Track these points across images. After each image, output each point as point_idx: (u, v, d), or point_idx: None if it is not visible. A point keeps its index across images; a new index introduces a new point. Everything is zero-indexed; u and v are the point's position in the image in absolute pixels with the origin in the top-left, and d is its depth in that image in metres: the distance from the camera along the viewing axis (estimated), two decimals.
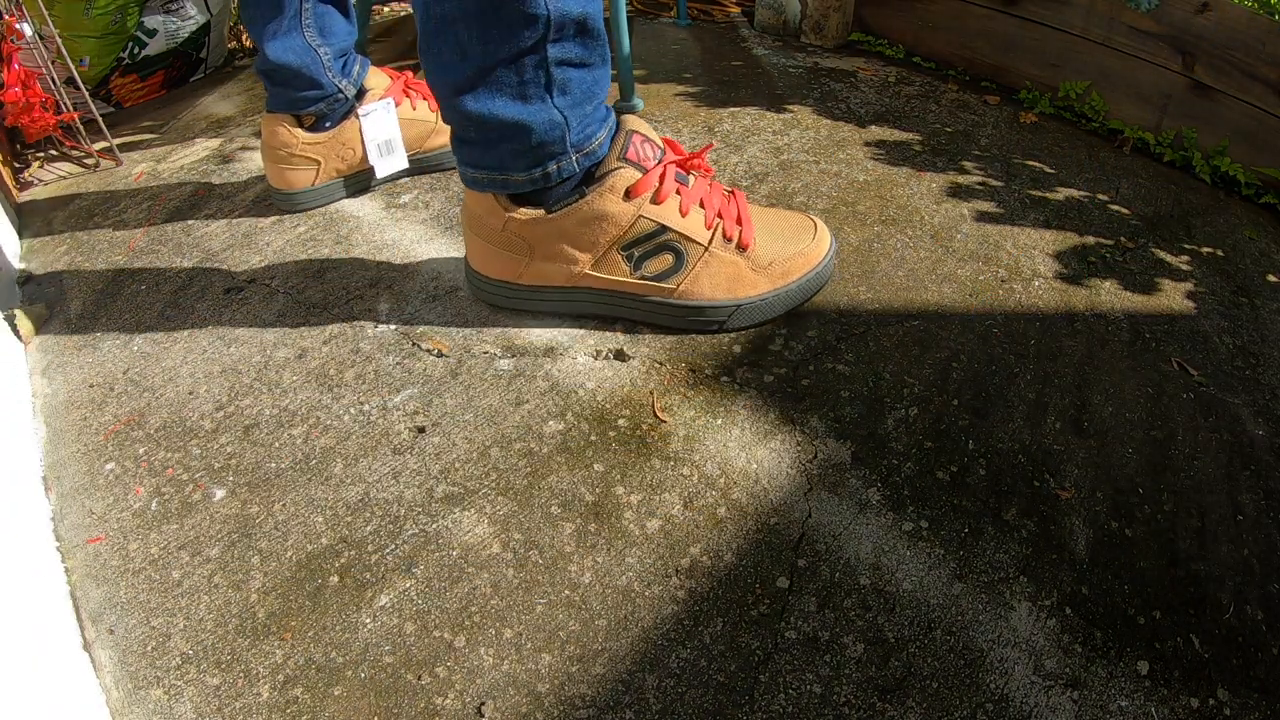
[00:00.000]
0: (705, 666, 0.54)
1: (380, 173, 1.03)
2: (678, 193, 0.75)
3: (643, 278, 0.77)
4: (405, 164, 1.05)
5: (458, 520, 0.63)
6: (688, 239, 0.75)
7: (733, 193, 0.80)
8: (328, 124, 0.98)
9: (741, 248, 0.77)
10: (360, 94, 0.99)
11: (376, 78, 1.00)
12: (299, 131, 0.96)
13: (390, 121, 1.01)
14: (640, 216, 0.73)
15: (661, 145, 0.77)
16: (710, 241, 0.76)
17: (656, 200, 0.74)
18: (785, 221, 0.81)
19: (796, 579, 0.59)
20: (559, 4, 0.63)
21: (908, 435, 0.70)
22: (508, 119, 0.67)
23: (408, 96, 1.04)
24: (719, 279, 0.77)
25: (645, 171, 0.73)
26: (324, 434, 0.70)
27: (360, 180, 1.04)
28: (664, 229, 0.74)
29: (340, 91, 0.96)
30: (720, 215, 0.77)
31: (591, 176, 0.74)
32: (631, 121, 0.75)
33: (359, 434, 0.70)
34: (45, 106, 1.10)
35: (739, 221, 0.78)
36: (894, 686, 0.53)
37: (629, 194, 0.73)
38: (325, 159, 0.99)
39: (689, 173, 0.78)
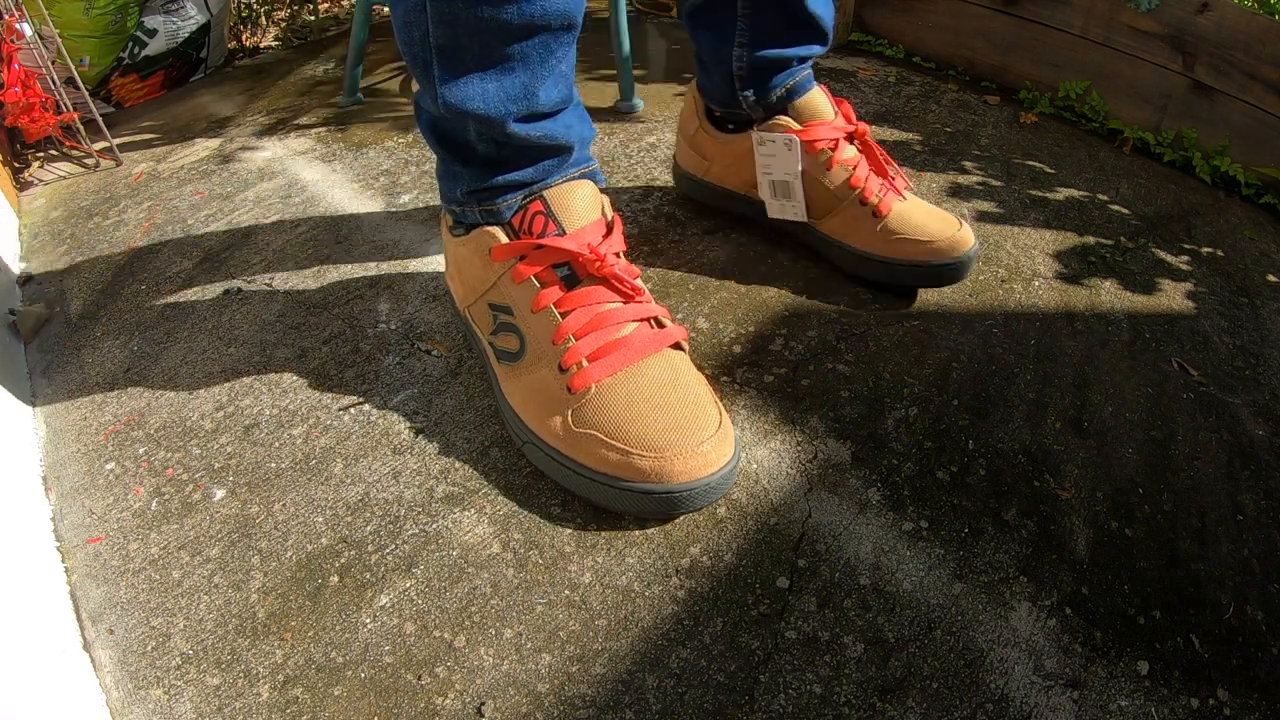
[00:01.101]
0: (705, 666, 0.54)
1: (771, 212, 0.90)
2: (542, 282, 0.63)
3: (491, 344, 0.69)
4: (804, 217, 0.87)
5: (458, 520, 0.63)
6: (530, 335, 0.64)
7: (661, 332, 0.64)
8: (730, 127, 0.91)
9: (572, 390, 0.61)
10: (775, 112, 0.84)
11: (815, 105, 0.84)
12: (702, 119, 0.92)
13: (788, 161, 0.85)
14: (496, 283, 0.66)
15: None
16: (547, 356, 0.63)
17: (513, 278, 0.64)
18: (690, 405, 0.61)
19: (796, 579, 0.59)
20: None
21: (908, 435, 0.70)
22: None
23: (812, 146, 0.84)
24: (532, 396, 0.64)
25: (515, 239, 0.65)
26: (324, 434, 0.70)
27: (754, 206, 0.92)
28: (510, 309, 0.65)
29: (739, 102, 0.86)
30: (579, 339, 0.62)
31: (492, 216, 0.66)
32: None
33: (359, 434, 0.70)
34: (45, 106, 1.10)
35: (603, 368, 0.61)
36: (894, 686, 0.53)
37: (492, 255, 0.65)
38: (713, 160, 0.93)
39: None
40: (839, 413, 0.72)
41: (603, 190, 0.69)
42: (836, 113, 0.84)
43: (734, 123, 0.91)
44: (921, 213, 0.83)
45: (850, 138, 0.84)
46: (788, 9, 0.80)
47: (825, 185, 0.84)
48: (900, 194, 0.85)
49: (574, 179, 0.67)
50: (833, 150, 0.83)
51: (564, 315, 0.63)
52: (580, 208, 0.65)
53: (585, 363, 0.62)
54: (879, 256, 0.83)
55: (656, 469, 0.57)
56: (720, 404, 0.63)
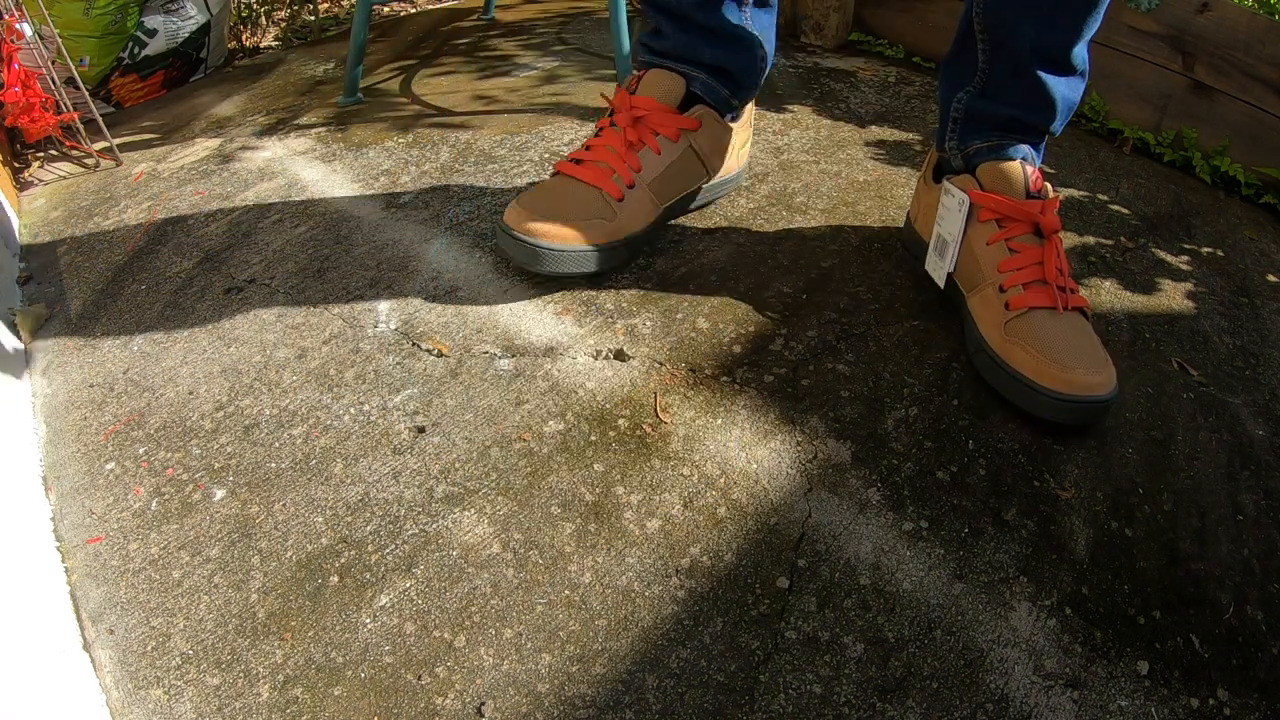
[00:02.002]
0: (705, 666, 0.54)
1: (926, 264, 0.85)
2: None
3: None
4: (942, 281, 0.83)
5: (458, 520, 0.63)
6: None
7: None
8: (944, 177, 0.85)
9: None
10: (971, 167, 0.81)
11: (1009, 177, 0.77)
12: (927, 168, 0.90)
13: (955, 220, 0.79)
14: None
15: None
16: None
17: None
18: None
19: (796, 579, 0.59)
20: None
21: (908, 435, 0.70)
22: None
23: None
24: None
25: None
26: (324, 434, 0.70)
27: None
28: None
29: (946, 147, 0.86)
30: None
31: None
32: None
33: (359, 434, 0.70)
34: (45, 106, 1.10)
35: None
36: (894, 686, 0.53)
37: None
38: (918, 205, 0.91)
39: None
40: (839, 413, 0.72)
41: None
42: (1029, 195, 0.76)
43: (947, 173, 0.86)
44: (1062, 332, 0.71)
45: (1036, 229, 0.76)
46: (1018, 69, 0.77)
47: (976, 257, 0.78)
48: (1055, 305, 0.72)
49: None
50: (1000, 227, 0.76)
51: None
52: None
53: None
54: (990, 350, 0.74)
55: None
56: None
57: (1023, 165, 0.77)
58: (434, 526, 0.62)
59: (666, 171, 0.88)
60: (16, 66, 1.08)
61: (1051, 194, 0.77)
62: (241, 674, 0.53)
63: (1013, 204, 0.76)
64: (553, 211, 0.82)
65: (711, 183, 0.97)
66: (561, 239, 0.81)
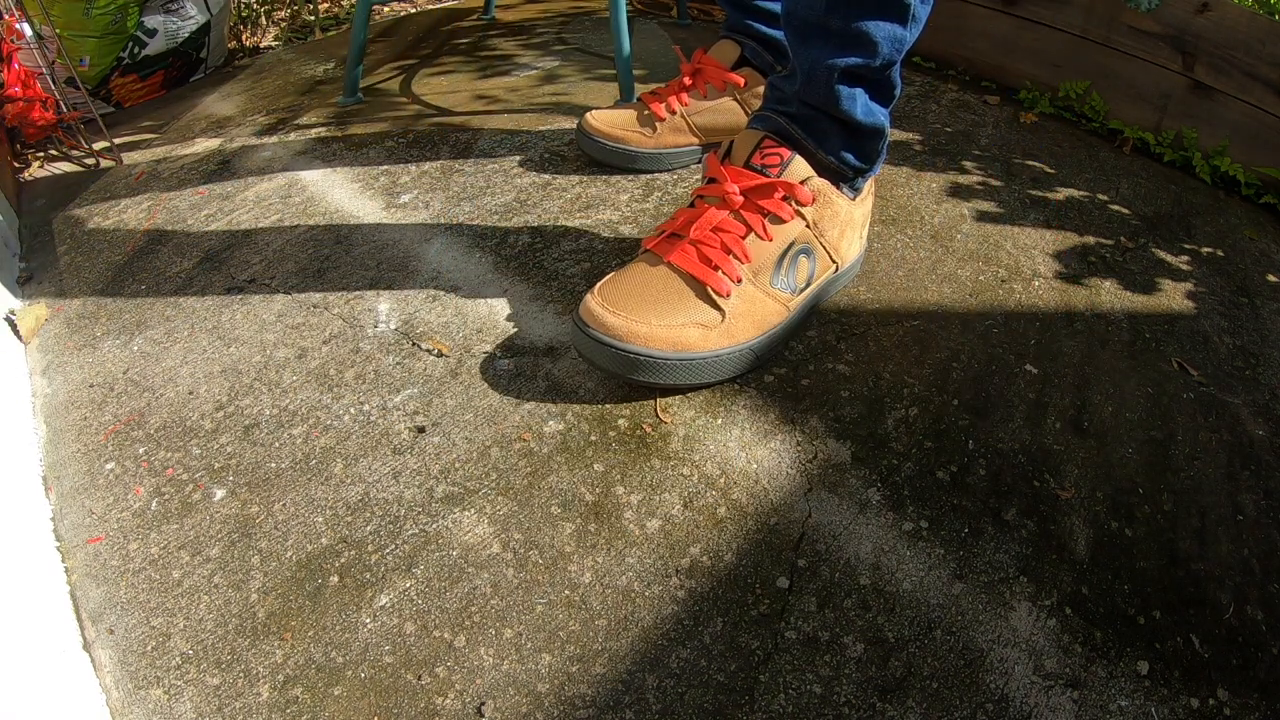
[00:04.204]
0: (705, 666, 0.54)
1: None
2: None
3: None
4: None
5: (458, 520, 0.63)
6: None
7: None
8: None
9: None
10: None
11: None
12: None
13: None
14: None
15: None
16: None
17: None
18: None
19: (796, 579, 0.59)
20: None
21: (908, 435, 0.70)
22: None
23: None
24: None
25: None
26: (324, 434, 0.70)
27: None
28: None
29: None
30: None
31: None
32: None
33: (359, 434, 0.70)
34: (45, 106, 1.10)
35: None
36: (894, 686, 0.53)
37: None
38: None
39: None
40: (839, 413, 0.72)
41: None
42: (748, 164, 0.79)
43: None
44: (642, 279, 0.75)
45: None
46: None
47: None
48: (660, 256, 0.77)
49: None
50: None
51: None
52: None
53: None
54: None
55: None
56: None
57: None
58: (434, 526, 0.62)
59: None
60: (16, 66, 1.08)
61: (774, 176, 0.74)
62: (241, 674, 0.53)
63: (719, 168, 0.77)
64: None
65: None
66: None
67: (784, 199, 0.73)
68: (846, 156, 0.77)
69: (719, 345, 0.71)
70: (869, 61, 0.71)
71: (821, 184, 0.74)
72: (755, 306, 0.73)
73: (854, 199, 0.79)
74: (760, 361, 0.75)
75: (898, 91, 0.78)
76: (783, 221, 0.73)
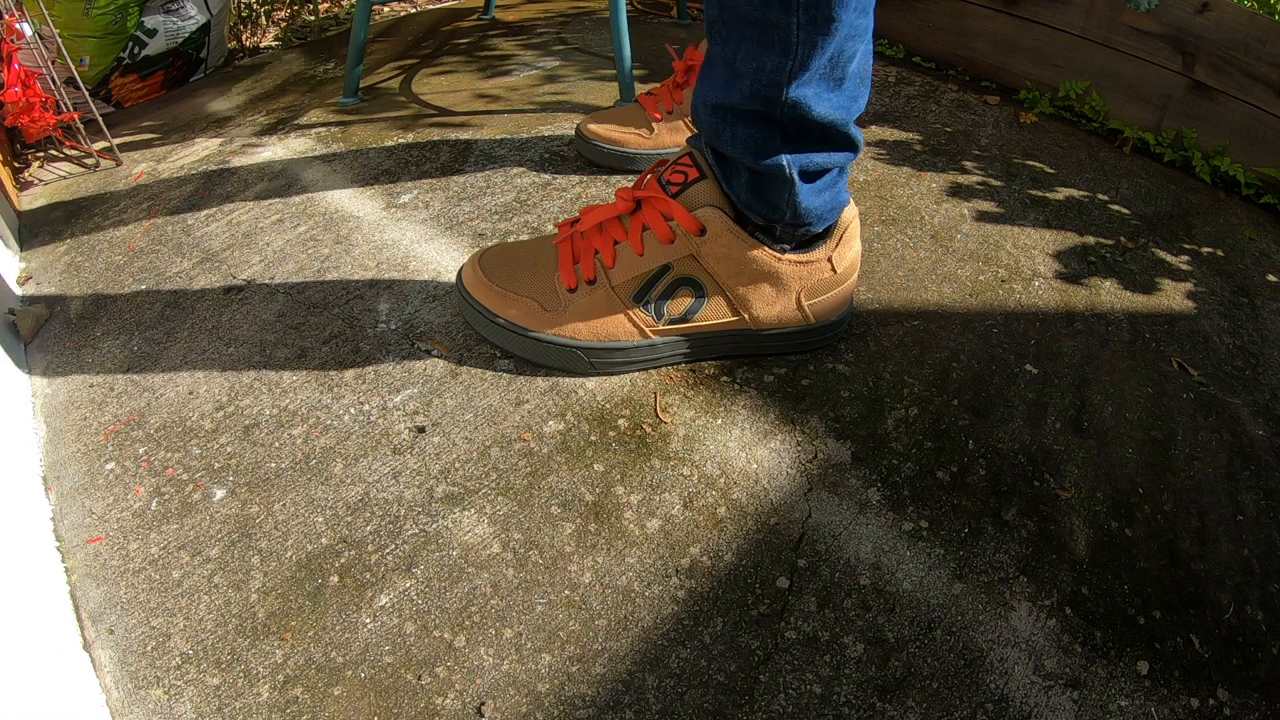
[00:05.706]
0: (705, 666, 0.54)
1: None
2: None
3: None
4: None
5: (458, 520, 0.63)
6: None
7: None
8: None
9: None
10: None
11: None
12: None
13: None
14: None
15: None
16: None
17: None
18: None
19: (796, 579, 0.59)
20: None
21: (908, 435, 0.70)
22: None
23: None
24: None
25: None
26: (324, 434, 0.70)
27: None
28: None
29: None
30: None
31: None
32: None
33: (359, 434, 0.70)
34: (45, 106, 1.10)
35: None
36: (894, 686, 0.53)
37: None
38: None
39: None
40: (839, 413, 0.72)
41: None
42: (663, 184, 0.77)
43: None
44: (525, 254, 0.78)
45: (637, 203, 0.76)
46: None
47: None
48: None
49: None
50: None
51: None
52: None
53: None
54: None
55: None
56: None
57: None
58: (434, 526, 0.62)
59: None
60: (16, 66, 1.08)
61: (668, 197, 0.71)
62: (241, 674, 0.53)
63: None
64: None
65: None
66: None
67: (665, 218, 0.69)
68: (750, 201, 0.68)
69: (541, 328, 0.73)
70: (734, 94, 0.63)
71: (715, 217, 0.68)
72: (600, 313, 0.72)
73: (779, 253, 0.70)
74: (595, 370, 0.74)
75: (820, 134, 0.65)
76: (659, 242, 0.70)
